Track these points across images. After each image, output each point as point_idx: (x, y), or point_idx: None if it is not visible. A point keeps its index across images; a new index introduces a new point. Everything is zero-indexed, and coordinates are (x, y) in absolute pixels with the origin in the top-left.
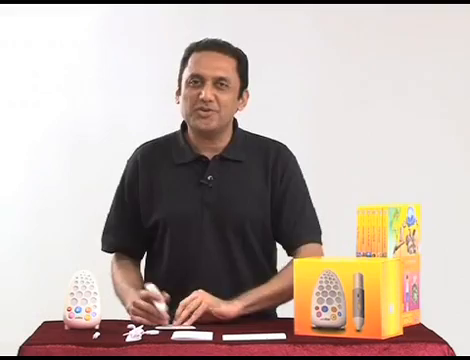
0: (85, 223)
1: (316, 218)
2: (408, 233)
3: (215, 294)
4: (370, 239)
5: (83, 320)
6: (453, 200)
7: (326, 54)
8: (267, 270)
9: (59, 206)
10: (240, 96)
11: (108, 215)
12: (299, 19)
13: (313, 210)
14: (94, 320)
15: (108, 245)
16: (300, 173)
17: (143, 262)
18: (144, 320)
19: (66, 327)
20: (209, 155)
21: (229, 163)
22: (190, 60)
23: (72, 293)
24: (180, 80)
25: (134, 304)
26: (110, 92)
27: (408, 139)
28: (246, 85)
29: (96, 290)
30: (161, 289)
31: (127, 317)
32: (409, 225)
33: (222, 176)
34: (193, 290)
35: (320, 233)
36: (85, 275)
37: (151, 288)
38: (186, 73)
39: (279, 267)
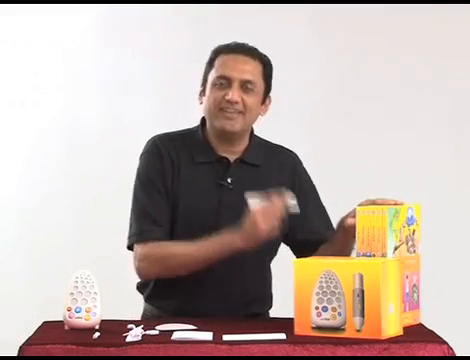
0: (85, 223)
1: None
2: (408, 233)
3: (225, 289)
4: (370, 239)
5: (83, 320)
6: (453, 200)
7: (325, 55)
8: (267, 273)
9: (59, 205)
10: (263, 101)
11: (136, 207)
12: (298, 20)
13: (326, 210)
14: (94, 320)
15: (143, 233)
16: (312, 182)
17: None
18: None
19: (66, 327)
20: (229, 156)
21: (248, 167)
22: (217, 62)
23: (72, 293)
24: (205, 81)
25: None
26: (108, 91)
27: (408, 139)
28: (269, 90)
29: (96, 290)
30: (171, 281)
31: (126, 317)
32: (409, 225)
33: (242, 179)
34: (205, 285)
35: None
36: (85, 275)
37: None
38: (212, 74)
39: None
